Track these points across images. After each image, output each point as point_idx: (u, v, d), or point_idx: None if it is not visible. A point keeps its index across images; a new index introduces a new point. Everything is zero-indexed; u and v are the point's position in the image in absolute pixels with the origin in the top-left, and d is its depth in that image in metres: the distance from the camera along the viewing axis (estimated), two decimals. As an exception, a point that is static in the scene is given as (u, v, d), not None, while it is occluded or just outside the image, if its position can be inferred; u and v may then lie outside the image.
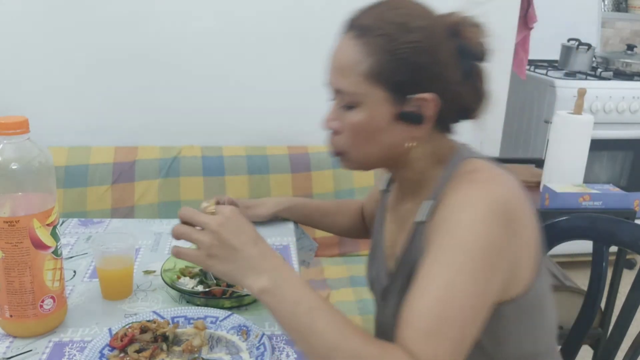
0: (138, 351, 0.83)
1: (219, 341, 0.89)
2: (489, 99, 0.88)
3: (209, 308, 0.96)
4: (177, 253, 0.79)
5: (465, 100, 0.85)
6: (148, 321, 0.89)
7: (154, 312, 0.93)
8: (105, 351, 0.84)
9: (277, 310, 0.73)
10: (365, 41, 0.80)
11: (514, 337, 0.84)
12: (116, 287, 1.01)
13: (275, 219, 1.29)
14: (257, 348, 0.85)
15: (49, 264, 0.86)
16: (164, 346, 0.85)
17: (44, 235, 0.85)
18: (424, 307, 0.70)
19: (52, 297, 0.88)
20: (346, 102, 0.83)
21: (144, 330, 0.87)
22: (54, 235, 0.87)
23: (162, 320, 0.91)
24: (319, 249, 1.93)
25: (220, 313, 0.94)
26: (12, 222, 0.81)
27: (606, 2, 3.43)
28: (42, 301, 0.87)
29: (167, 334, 0.86)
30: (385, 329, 1.00)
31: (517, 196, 0.78)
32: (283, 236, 1.23)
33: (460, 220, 0.73)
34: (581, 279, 2.64)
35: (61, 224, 1.30)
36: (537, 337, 0.86)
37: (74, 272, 1.09)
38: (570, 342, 1.16)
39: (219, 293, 1.00)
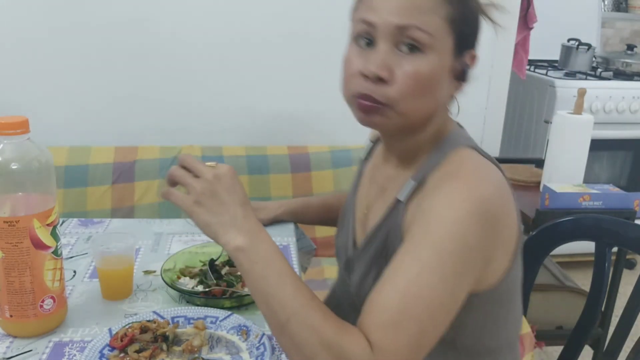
0: (138, 351, 0.83)
1: (219, 341, 0.89)
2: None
3: (209, 308, 0.96)
4: (166, 193, 0.78)
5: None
6: (148, 321, 0.89)
7: (154, 312, 0.93)
8: (105, 351, 0.84)
9: (249, 270, 0.73)
10: None
11: (474, 327, 0.82)
12: (116, 287, 1.01)
13: (275, 221, 1.29)
14: (257, 348, 0.86)
15: (49, 264, 0.86)
16: (164, 346, 0.85)
17: (44, 235, 0.85)
18: (388, 298, 0.70)
19: (52, 297, 0.88)
20: (415, 43, 0.75)
21: (144, 330, 0.87)
22: (54, 235, 0.87)
23: (162, 320, 0.91)
24: (319, 249, 1.93)
25: (220, 313, 0.94)
26: (12, 222, 0.81)
27: (606, 2, 3.43)
28: (42, 301, 0.87)
29: (167, 334, 0.86)
30: (341, 301, 0.98)
31: (500, 194, 0.77)
32: (283, 236, 1.23)
33: (439, 217, 0.72)
34: (581, 279, 2.65)
35: (61, 224, 1.30)
36: (499, 331, 0.85)
37: (74, 272, 1.09)
38: (572, 343, 1.15)
39: (219, 293, 1.00)
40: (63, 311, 0.92)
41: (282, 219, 1.29)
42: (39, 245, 0.84)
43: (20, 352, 0.85)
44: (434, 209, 0.74)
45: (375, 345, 0.67)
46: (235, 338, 0.90)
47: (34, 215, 0.83)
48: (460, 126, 0.89)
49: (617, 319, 1.15)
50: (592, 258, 1.15)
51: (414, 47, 0.76)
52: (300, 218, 1.30)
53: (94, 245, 1.00)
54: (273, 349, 0.86)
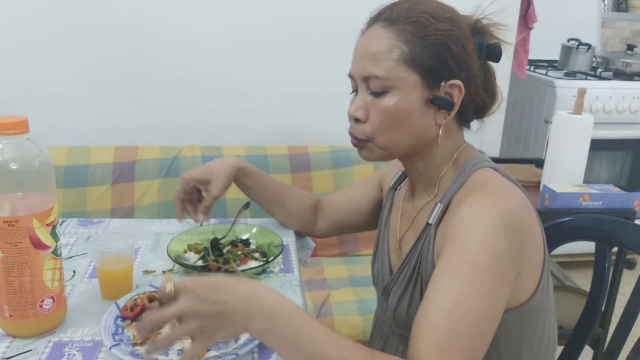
0: None
1: None
2: (499, 99, 0.92)
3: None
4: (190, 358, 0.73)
5: (481, 96, 0.88)
6: (153, 291, 0.95)
7: (152, 285, 1.00)
8: (118, 321, 0.90)
9: (279, 347, 0.70)
10: (397, 29, 0.82)
11: (511, 345, 0.84)
12: (116, 287, 1.00)
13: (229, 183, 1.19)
14: None
15: (49, 264, 0.86)
16: None
17: (44, 235, 0.85)
18: (435, 321, 0.70)
19: (52, 297, 0.88)
20: (378, 88, 0.83)
21: (150, 299, 0.93)
22: (54, 235, 0.87)
23: None
24: (319, 249, 1.94)
25: None
26: (11, 222, 0.81)
27: (606, 2, 3.43)
28: (42, 301, 0.87)
29: None
30: (383, 326, 1.01)
31: (525, 210, 0.80)
32: (283, 236, 1.23)
33: (470, 232, 0.75)
34: (581, 279, 2.65)
35: (61, 224, 1.30)
36: (534, 349, 0.87)
37: (74, 272, 1.09)
38: (572, 343, 1.15)
39: (215, 268, 1.07)
40: (62, 311, 0.92)
41: (235, 180, 1.21)
42: (38, 245, 0.84)
43: (19, 352, 0.85)
44: (462, 224, 0.77)
45: None
46: None
47: (33, 215, 0.83)
48: (482, 152, 0.93)
49: (617, 319, 1.15)
50: (592, 258, 1.15)
51: (379, 91, 0.84)
52: (248, 183, 1.21)
53: (94, 245, 1.00)
54: None
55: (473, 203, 0.78)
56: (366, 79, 0.84)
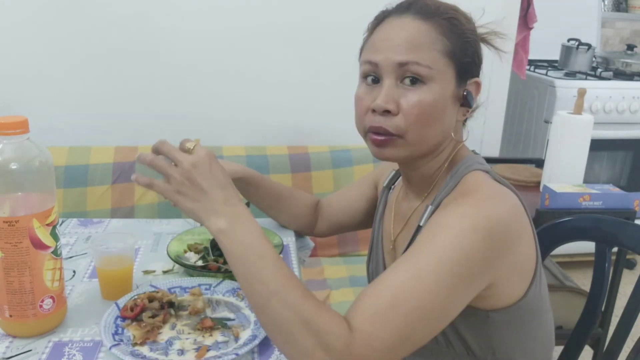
0: (151, 317, 0.91)
1: (219, 303, 0.98)
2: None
3: (201, 277, 1.04)
4: (148, 183, 0.80)
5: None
6: (153, 292, 0.96)
7: (151, 285, 1.00)
8: (118, 321, 0.90)
9: (229, 251, 0.74)
10: (434, 23, 0.82)
11: (504, 345, 0.84)
12: (116, 287, 1.01)
13: None
14: None
15: (49, 264, 0.86)
16: (172, 311, 0.93)
17: (44, 235, 0.85)
18: (381, 292, 0.71)
19: (52, 297, 0.88)
20: (417, 76, 0.80)
21: (150, 300, 0.94)
22: (54, 235, 0.87)
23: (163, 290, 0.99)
24: (319, 248, 1.94)
25: (212, 281, 1.03)
26: (11, 222, 0.81)
27: (606, 2, 3.43)
28: (42, 301, 0.87)
29: (172, 300, 0.94)
30: None
31: (512, 216, 0.78)
32: (283, 236, 1.23)
33: (446, 227, 0.74)
34: (581, 279, 2.65)
35: (61, 224, 1.30)
36: (529, 349, 0.87)
37: (74, 272, 1.09)
38: (572, 343, 1.15)
39: (215, 268, 1.08)
40: (62, 311, 0.92)
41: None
42: (38, 245, 0.84)
43: (19, 352, 0.85)
44: (442, 220, 0.76)
45: (355, 329, 0.68)
46: (232, 299, 0.98)
47: (33, 215, 0.83)
48: (476, 153, 0.92)
49: (617, 319, 1.15)
50: (592, 258, 1.15)
51: (416, 80, 0.81)
52: (247, 190, 1.21)
53: (94, 245, 1.00)
54: None
55: (459, 206, 0.77)
56: (403, 66, 0.80)
